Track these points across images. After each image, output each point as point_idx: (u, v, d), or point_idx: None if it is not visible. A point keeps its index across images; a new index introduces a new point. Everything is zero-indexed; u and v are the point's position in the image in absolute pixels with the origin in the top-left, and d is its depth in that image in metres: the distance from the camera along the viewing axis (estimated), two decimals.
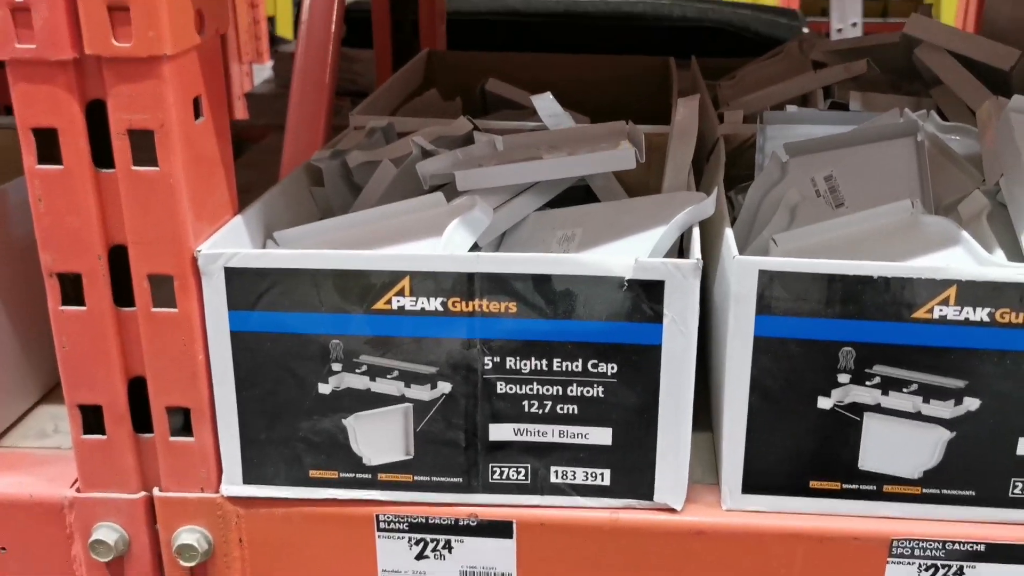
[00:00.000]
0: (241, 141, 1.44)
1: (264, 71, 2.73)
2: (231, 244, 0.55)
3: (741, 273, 0.52)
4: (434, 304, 0.53)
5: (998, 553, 0.54)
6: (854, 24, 5.13)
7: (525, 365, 0.54)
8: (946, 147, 0.68)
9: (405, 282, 0.53)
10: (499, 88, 1.02)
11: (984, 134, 0.64)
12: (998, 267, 0.51)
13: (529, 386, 0.54)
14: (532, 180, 0.62)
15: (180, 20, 0.50)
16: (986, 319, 0.51)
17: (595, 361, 0.53)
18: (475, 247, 0.60)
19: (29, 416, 0.67)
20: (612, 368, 0.54)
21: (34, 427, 0.66)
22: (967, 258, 0.55)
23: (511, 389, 0.54)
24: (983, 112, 0.66)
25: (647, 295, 0.52)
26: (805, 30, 2.12)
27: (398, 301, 0.53)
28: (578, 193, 0.70)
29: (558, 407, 0.55)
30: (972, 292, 0.50)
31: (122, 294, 0.55)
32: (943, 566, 0.55)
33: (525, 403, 0.55)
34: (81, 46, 0.49)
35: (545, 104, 0.75)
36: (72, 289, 0.54)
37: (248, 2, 2.95)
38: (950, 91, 0.80)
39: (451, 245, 0.56)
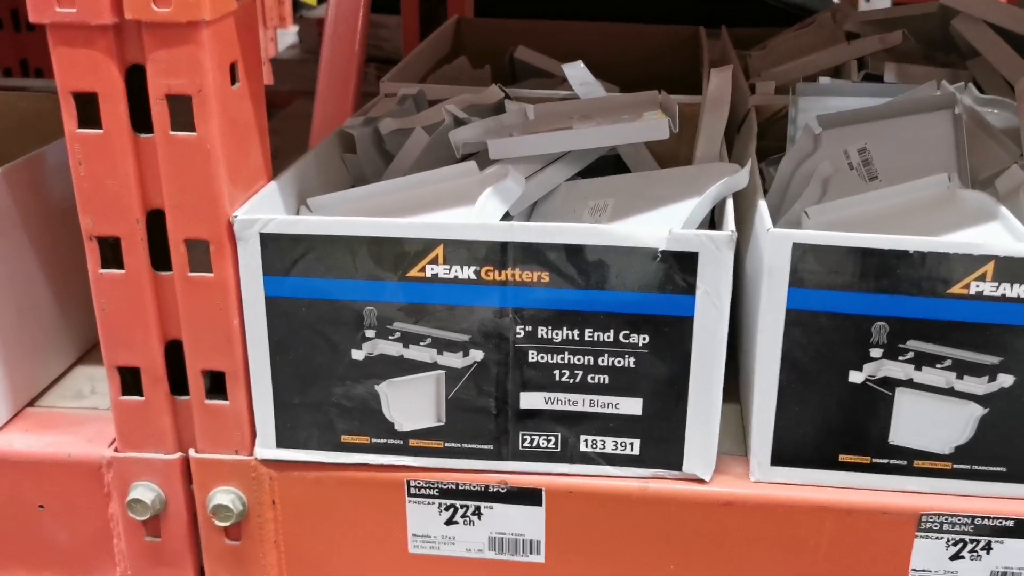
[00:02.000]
0: (268, 107, 1.45)
1: (288, 36, 2.73)
2: (266, 210, 0.56)
3: (775, 246, 0.52)
4: (467, 272, 0.53)
5: None
6: None
7: (557, 334, 0.54)
8: (983, 120, 0.68)
9: (439, 250, 0.53)
10: (528, 56, 1.02)
11: (1022, 107, 0.64)
12: None
13: (560, 355, 0.55)
14: (564, 149, 0.62)
15: None
16: (1023, 295, 0.50)
17: (627, 332, 0.54)
18: (507, 216, 0.60)
19: (66, 377, 0.68)
20: (644, 339, 0.54)
21: (71, 388, 0.67)
22: (1005, 234, 0.54)
23: (542, 358, 0.55)
24: (1022, 85, 0.65)
25: (680, 267, 0.52)
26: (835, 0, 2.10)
27: (432, 269, 0.53)
28: (608, 163, 0.70)
29: (589, 377, 0.55)
30: (1010, 268, 0.50)
31: (160, 258, 0.55)
32: (971, 541, 0.55)
33: (556, 372, 0.55)
34: (121, 10, 0.50)
35: (576, 73, 0.75)
36: (111, 252, 0.55)
37: None
38: (987, 63, 0.79)
39: (484, 214, 0.57)
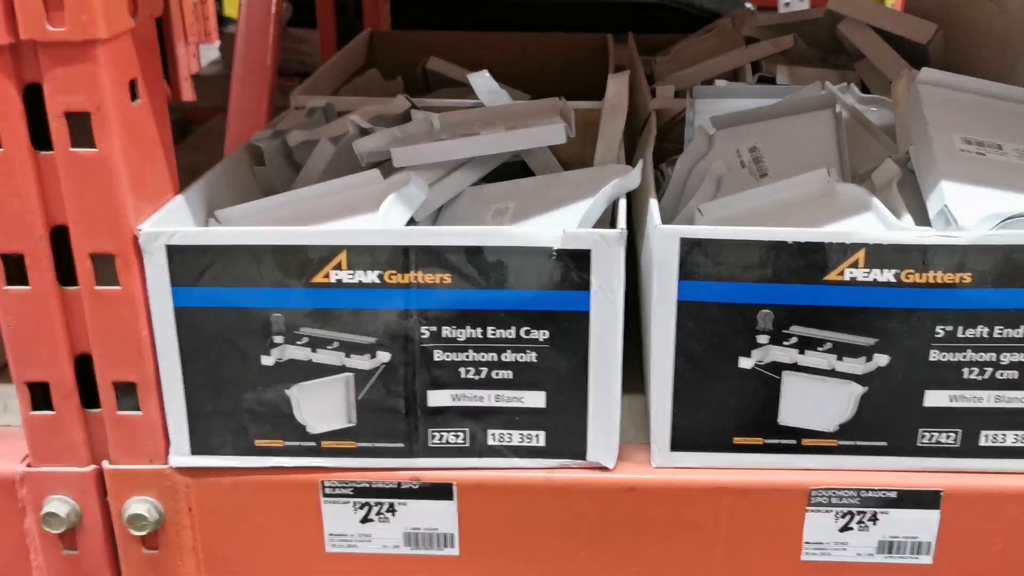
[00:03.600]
0: (187, 123, 1.45)
1: (212, 52, 2.71)
2: (172, 223, 0.57)
3: (663, 241, 0.54)
4: (371, 277, 0.55)
5: (908, 499, 0.58)
6: None
7: (460, 334, 0.56)
8: (863, 118, 0.71)
9: (342, 256, 0.55)
10: (440, 67, 1.04)
11: (897, 105, 0.68)
12: (902, 231, 0.54)
13: (465, 353, 0.57)
14: (466, 156, 0.64)
15: (113, 4, 0.51)
16: (892, 280, 0.54)
17: (527, 328, 0.56)
18: (411, 222, 0.62)
19: None
20: (544, 335, 0.56)
21: None
22: (877, 223, 0.58)
23: (448, 357, 0.57)
24: (897, 84, 0.69)
25: (575, 264, 0.54)
26: (748, 5, 2.16)
27: (336, 275, 0.55)
28: (515, 168, 0.72)
29: (493, 373, 0.57)
30: (880, 255, 0.53)
31: (66, 273, 0.56)
32: (858, 513, 0.58)
33: (462, 370, 0.57)
34: (16, 30, 0.50)
35: (482, 82, 0.77)
36: (16, 269, 0.56)
37: None
38: (872, 64, 0.83)
39: (387, 220, 0.58)
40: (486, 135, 0.64)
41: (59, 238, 0.55)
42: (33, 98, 0.53)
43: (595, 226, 0.58)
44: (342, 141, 0.67)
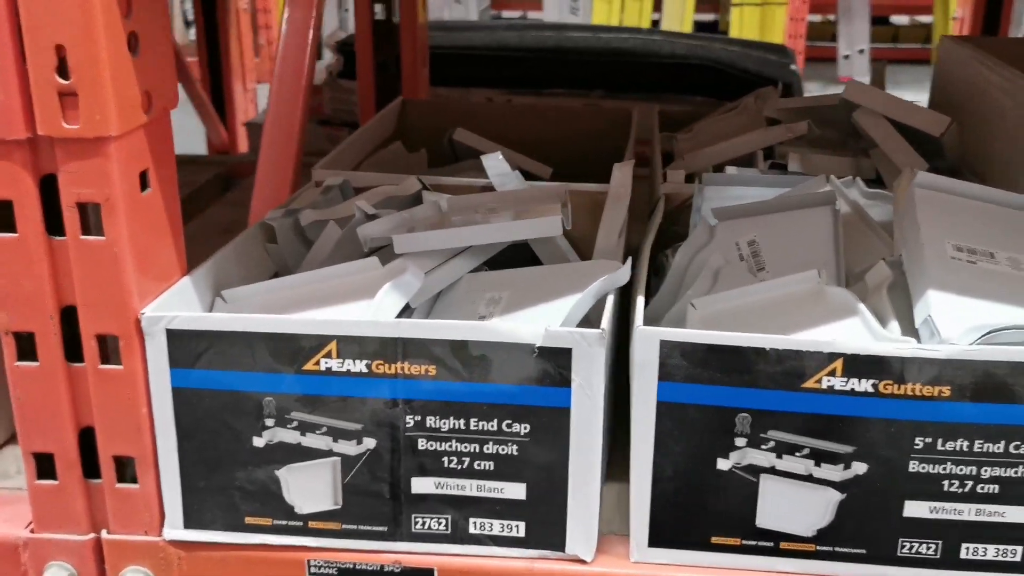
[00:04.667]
0: (231, 177, 1.49)
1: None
2: (176, 305, 0.60)
3: (644, 342, 0.56)
4: (359, 366, 0.57)
5: None
6: (861, 51, 5.16)
7: (444, 424, 0.58)
8: (865, 215, 0.72)
9: (332, 345, 0.57)
10: (466, 138, 1.06)
11: (897, 205, 0.68)
12: (879, 342, 0.54)
13: (448, 443, 0.58)
14: (463, 245, 0.66)
15: (126, 102, 0.55)
16: (870, 390, 0.54)
17: (509, 421, 0.57)
18: (407, 308, 0.64)
19: None
20: (525, 428, 0.57)
21: None
22: (862, 330, 0.58)
23: (432, 446, 0.58)
24: (898, 182, 0.69)
25: (556, 361, 0.56)
26: (793, 68, 2.16)
27: (326, 363, 0.57)
28: (525, 249, 0.74)
29: (475, 463, 0.58)
30: (857, 365, 0.54)
31: (74, 350, 0.59)
32: None
33: (445, 459, 0.58)
34: (34, 127, 0.54)
35: (493, 164, 0.79)
36: (27, 345, 0.59)
37: (255, 17, 2.98)
38: (885, 155, 0.83)
39: (382, 308, 0.60)
40: (483, 226, 0.66)
41: (68, 317, 0.58)
42: (49, 187, 0.56)
43: (582, 322, 0.59)
44: (348, 226, 0.69)
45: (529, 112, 1.16)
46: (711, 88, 2.09)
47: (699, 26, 4.29)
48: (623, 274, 0.61)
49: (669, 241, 0.79)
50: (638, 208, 0.88)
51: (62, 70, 0.53)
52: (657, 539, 0.59)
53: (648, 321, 0.66)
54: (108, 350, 0.58)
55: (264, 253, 0.73)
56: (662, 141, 1.03)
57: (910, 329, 0.59)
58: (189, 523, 0.61)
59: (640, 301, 0.59)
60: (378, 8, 1.48)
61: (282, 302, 0.64)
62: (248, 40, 2.98)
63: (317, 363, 0.57)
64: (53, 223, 0.56)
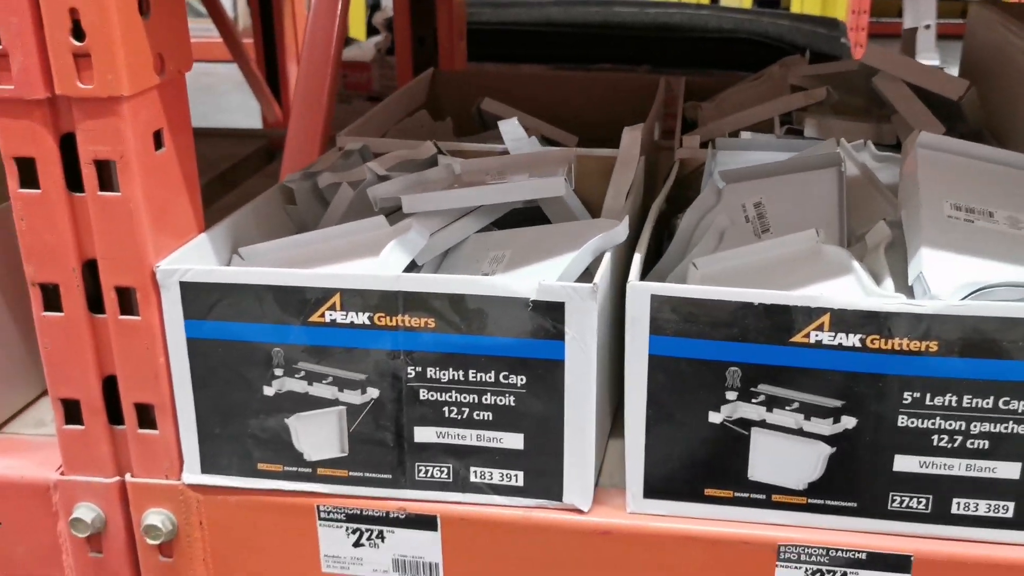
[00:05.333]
0: (273, 152, 1.53)
1: None
2: (192, 260, 0.62)
3: (636, 297, 0.57)
4: (362, 318, 0.59)
5: (878, 561, 0.58)
6: (927, 26, 5.04)
7: (444, 375, 0.60)
8: (873, 177, 0.72)
9: (336, 298, 0.59)
10: (494, 107, 1.08)
11: (903, 166, 0.68)
12: (865, 297, 0.55)
13: (448, 394, 0.60)
14: (470, 205, 0.68)
15: (138, 64, 0.57)
16: (858, 344, 0.55)
17: (506, 373, 0.59)
18: (415, 266, 0.66)
19: (32, 406, 0.76)
20: (522, 380, 0.59)
21: (34, 416, 0.74)
22: (856, 286, 0.59)
23: (432, 396, 0.60)
24: (906, 144, 0.69)
25: (550, 315, 0.57)
26: (844, 41, 2.13)
27: (330, 315, 0.59)
28: (538, 211, 0.75)
29: (475, 413, 0.60)
30: (844, 319, 0.55)
31: (97, 302, 0.62)
32: (828, 571, 0.59)
33: (445, 409, 0.60)
34: (52, 87, 0.57)
35: (509, 128, 0.81)
36: (52, 297, 0.62)
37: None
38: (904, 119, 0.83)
39: (386, 264, 0.62)
40: (489, 186, 0.67)
41: (90, 270, 0.61)
42: (69, 145, 0.59)
43: (582, 278, 0.61)
44: (360, 186, 0.71)
45: (558, 82, 1.17)
46: (758, 63, 2.07)
47: (760, 1, 4.22)
48: (620, 231, 0.62)
49: (684, 205, 0.80)
50: (662, 174, 0.89)
51: (77, 32, 0.55)
52: (652, 491, 0.60)
53: (653, 280, 0.67)
54: (128, 301, 0.61)
55: (284, 214, 0.76)
56: (687, 110, 1.04)
57: (905, 287, 0.59)
58: (206, 468, 0.64)
59: (637, 258, 0.61)
60: None
61: (294, 258, 0.66)
62: (302, 21, 3.01)
63: (322, 315, 0.59)
64: (74, 180, 0.59)
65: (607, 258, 0.61)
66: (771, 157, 0.81)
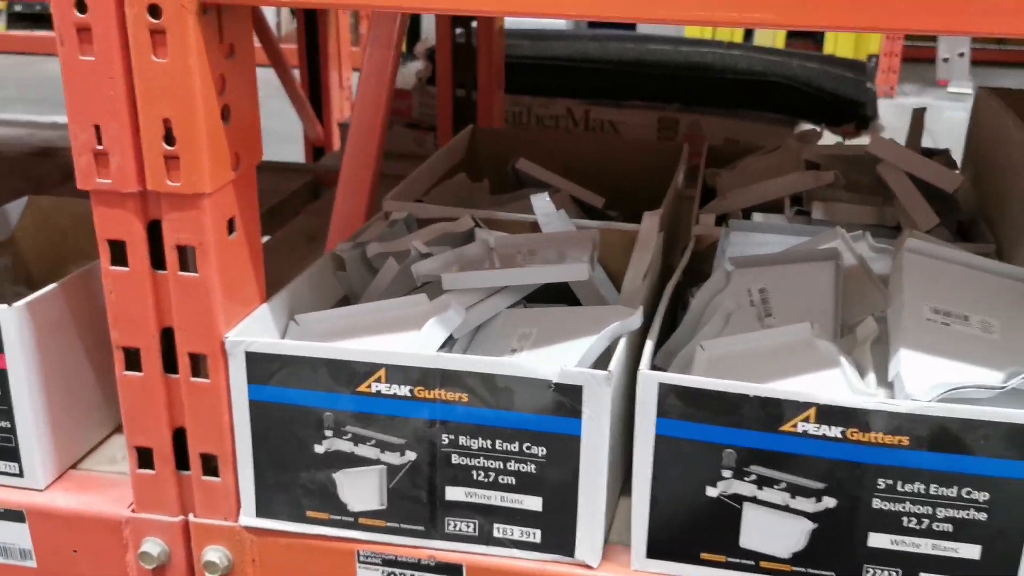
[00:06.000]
0: (319, 186, 1.62)
1: None
2: (256, 329, 0.71)
3: (645, 384, 0.65)
4: (404, 390, 0.67)
5: None
6: (961, 54, 5.05)
7: (474, 443, 0.68)
8: (869, 269, 0.79)
9: (382, 372, 0.67)
10: (528, 168, 1.16)
11: (894, 263, 0.75)
12: (848, 395, 0.62)
13: (477, 459, 0.68)
14: (502, 284, 0.76)
15: (218, 163, 0.66)
16: (839, 435, 0.62)
17: (529, 444, 0.67)
18: (451, 338, 0.74)
19: (104, 444, 0.84)
20: (542, 451, 0.67)
21: (107, 454, 0.83)
22: (841, 381, 0.66)
23: (463, 461, 0.68)
24: (897, 243, 0.76)
25: (569, 396, 0.65)
26: (869, 86, 2.19)
27: (376, 386, 0.68)
28: (566, 285, 0.83)
29: (500, 478, 0.68)
30: (828, 413, 0.62)
31: (171, 364, 0.70)
32: None
33: (474, 472, 0.68)
34: (144, 182, 0.65)
35: (541, 204, 0.89)
36: (133, 359, 0.71)
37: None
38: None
39: (426, 340, 0.71)
40: (519, 269, 0.75)
41: (167, 337, 0.70)
42: (154, 230, 0.67)
43: (599, 361, 0.69)
44: (405, 263, 0.79)
45: (590, 142, 1.25)
46: (785, 105, 2.14)
47: (795, 34, 4.26)
48: (635, 320, 0.70)
49: (699, 278, 0.88)
50: (685, 238, 0.96)
51: (168, 138, 0.64)
52: (654, 552, 0.68)
53: (664, 356, 0.75)
54: (199, 365, 0.70)
55: (334, 279, 0.84)
56: (708, 176, 1.11)
57: (886, 382, 0.66)
58: (260, 513, 0.72)
59: (648, 346, 0.68)
60: (459, 31, 1.58)
61: (345, 328, 0.74)
62: (346, 27, 3.07)
63: (369, 386, 0.68)
64: (157, 259, 0.68)
65: (622, 344, 0.69)
66: (780, 239, 0.88)
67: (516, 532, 0.69)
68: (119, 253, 0.68)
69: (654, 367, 0.72)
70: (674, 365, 0.74)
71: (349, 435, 0.69)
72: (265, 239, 1.40)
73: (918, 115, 1.08)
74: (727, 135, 2.07)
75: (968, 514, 0.62)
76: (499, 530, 0.70)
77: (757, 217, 0.92)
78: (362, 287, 0.84)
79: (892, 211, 0.94)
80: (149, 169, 0.65)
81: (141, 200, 0.66)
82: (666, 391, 0.64)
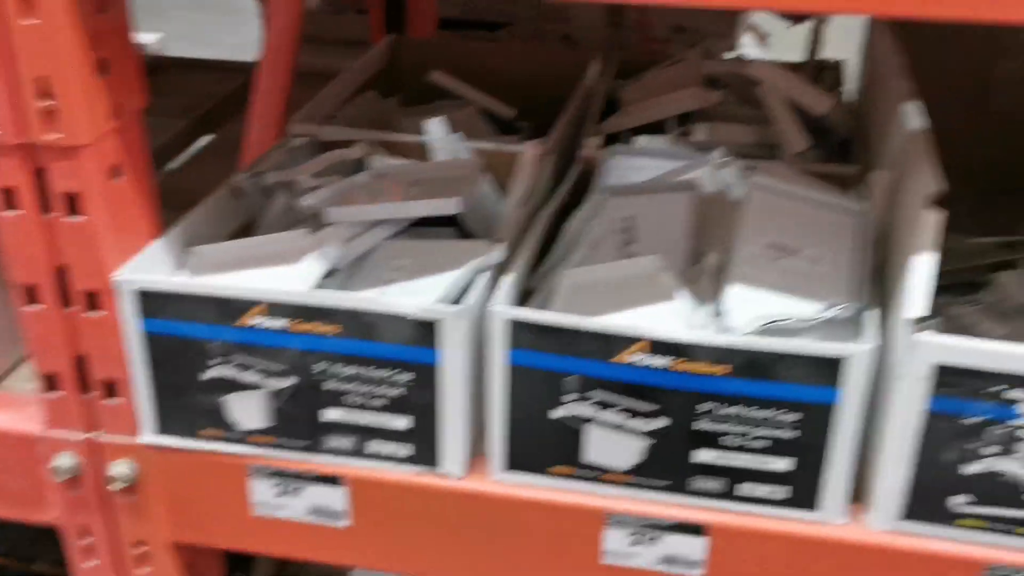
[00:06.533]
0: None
1: None
2: (146, 267, 0.76)
3: (495, 320, 0.71)
4: (281, 323, 0.73)
5: (681, 528, 0.74)
6: None
7: (346, 371, 0.74)
8: (728, 199, 0.84)
9: (262, 307, 0.73)
10: (444, 80, 1.19)
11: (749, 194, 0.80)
12: (674, 330, 0.68)
13: (350, 384, 0.75)
14: (379, 218, 0.81)
15: (97, 115, 0.70)
16: (668, 365, 0.69)
17: (395, 371, 0.74)
18: (334, 269, 0.80)
19: (25, 363, 0.91)
20: (408, 376, 0.74)
21: (25, 373, 0.90)
22: (678, 313, 0.72)
23: (337, 386, 0.75)
24: (752, 182, 0.81)
25: (428, 328, 0.71)
26: None
27: (256, 320, 0.74)
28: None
29: (372, 401, 0.75)
30: (657, 346, 0.68)
31: (70, 299, 0.76)
32: (644, 534, 0.74)
33: (347, 396, 0.75)
34: (27, 135, 0.70)
35: (434, 128, 0.93)
36: (33, 295, 0.76)
37: None
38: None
39: (305, 274, 0.76)
40: (395, 203, 0.81)
41: (65, 275, 0.75)
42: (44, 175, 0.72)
43: (459, 295, 0.75)
44: (291, 195, 0.84)
45: (514, 52, 1.27)
46: None
47: None
48: (495, 255, 0.75)
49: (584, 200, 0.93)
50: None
51: (48, 94, 0.68)
52: (510, 465, 0.76)
53: (540, 278, 0.81)
54: (96, 300, 0.76)
55: (233, 210, 0.89)
56: (614, 88, 1.14)
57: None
58: (159, 431, 0.80)
59: (507, 279, 0.74)
60: None
61: (236, 260, 0.80)
62: None
63: (249, 319, 0.74)
64: (49, 203, 0.73)
65: (481, 280, 0.75)
66: (658, 163, 0.93)
67: (389, 448, 0.77)
68: (11, 199, 0.73)
69: (528, 289, 0.79)
70: (541, 290, 0.80)
71: (234, 363, 0.76)
72: (201, 145, 1.44)
73: (815, 26, 1.11)
74: (676, 23, 2.06)
75: (781, 432, 0.70)
76: (374, 446, 0.77)
77: (640, 140, 0.97)
78: (259, 214, 0.89)
79: (774, 131, 0.98)
80: (30, 122, 0.69)
81: (26, 151, 0.71)
82: (513, 325, 0.70)
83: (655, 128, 1.01)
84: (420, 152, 0.97)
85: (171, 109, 1.41)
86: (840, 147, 0.98)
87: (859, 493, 0.72)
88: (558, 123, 0.98)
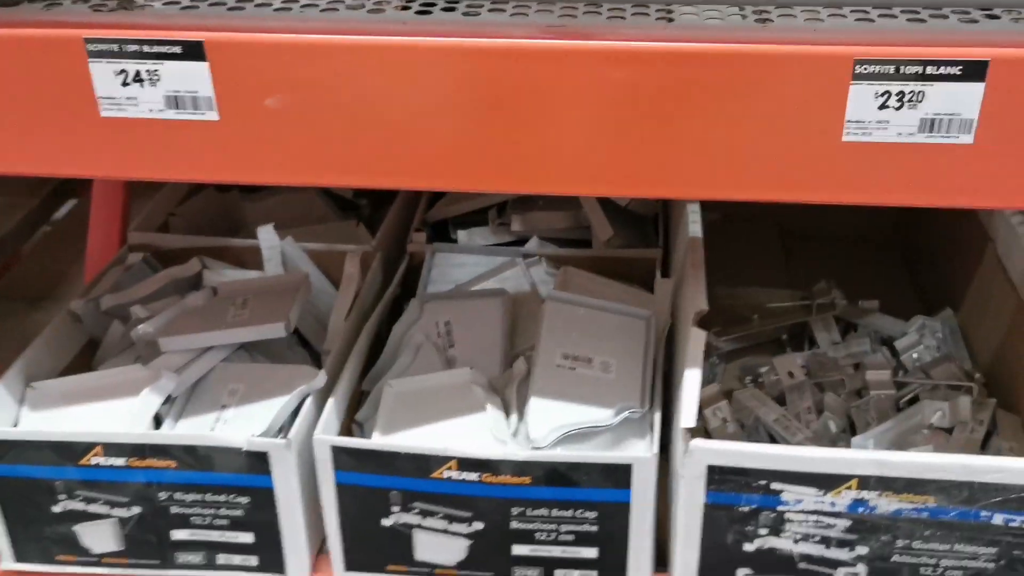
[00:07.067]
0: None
1: None
2: None
3: (319, 447, 0.77)
4: (120, 461, 0.79)
5: None
6: None
7: (188, 497, 0.80)
8: (538, 296, 0.92)
9: (99, 448, 0.78)
10: None
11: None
12: (481, 448, 0.76)
13: (194, 508, 0.81)
14: (209, 345, 0.87)
15: None
16: (477, 479, 0.77)
17: (234, 495, 0.80)
18: (169, 398, 0.85)
19: None
20: (246, 499, 0.80)
21: None
22: (487, 427, 0.80)
23: (182, 511, 0.81)
24: (558, 279, 0.89)
25: (260, 458, 0.78)
26: None
27: (95, 459, 0.79)
28: None
29: (215, 520, 0.81)
30: (466, 463, 0.76)
31: None
32: None
33: (193, 518, 0.81)
34: None
35: (265, 236, 0.99)
36: None
37: None
38: None
39: (142, 410, 0.82)
40: (224, 331, 0.86)
41: None
42: None
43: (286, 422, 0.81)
44: (127, 325, 0.89)
45: None
46: None
47: None
48: (318, 382, 0.82)
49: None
50: None
51: None
52: (350, 566, 0.83)
53: (370, 382, 0.88)
54: None
55: (76, 329, 0.93)
56: None
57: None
58: (18, 559, 0.84)
59: (329, 406, 0.81)
60: None
61: (76, 393, 0.85)
62: None
63: (89, 460, 0.79)
64: None
65: (308, 404, 0.81)
66: (477, 259, 1.01)
67: (236, 559, 0.83)
68: None
69: (363, 391, 0.85)
70: (370, 398, 0.87)
71: (80, 497, 0.81)
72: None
73: None
74: None
75: (583, 528, 0.79)
76: (222, 559, 0.83)
77: (461, 236, 1.04)
78: (101, 335, 0.94)
79: (584, 214, 1.07)
80: None
81: None
82: (336, 451, 0.77)
83: (478, 215, 1.08)
84: (257, 253, 1.02)
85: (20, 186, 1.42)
86: (652, 225, 1.07)
87: (666, 565, 0.82)
88: (387, 216, 1.05)
